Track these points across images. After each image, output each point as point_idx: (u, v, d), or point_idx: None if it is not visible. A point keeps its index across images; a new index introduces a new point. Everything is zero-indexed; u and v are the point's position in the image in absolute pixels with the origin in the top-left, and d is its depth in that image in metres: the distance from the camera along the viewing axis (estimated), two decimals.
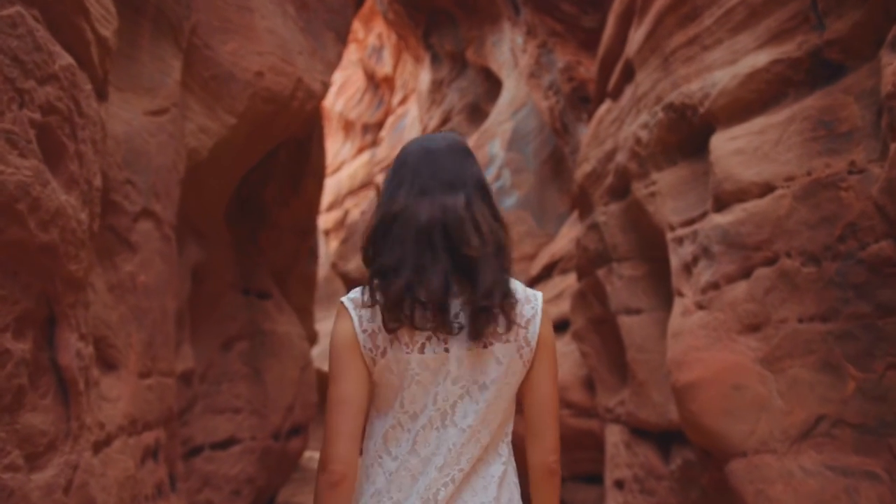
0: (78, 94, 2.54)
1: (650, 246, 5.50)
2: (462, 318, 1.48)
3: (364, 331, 1.50)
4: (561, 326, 8.19)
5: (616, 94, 5.92)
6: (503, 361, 1.51)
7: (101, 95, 3.03)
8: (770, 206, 3.90)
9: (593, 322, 6.62)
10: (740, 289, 4.02)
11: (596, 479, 7.05)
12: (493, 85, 15.58)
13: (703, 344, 4.10)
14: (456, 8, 15.95)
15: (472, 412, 1.50)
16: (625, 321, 5.68)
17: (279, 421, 7.04)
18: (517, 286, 1.56)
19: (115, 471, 2.97)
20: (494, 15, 15.08)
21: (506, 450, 1.57)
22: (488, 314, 1.46)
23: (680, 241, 4.71)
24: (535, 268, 9.80)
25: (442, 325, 1.47)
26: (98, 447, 2.82)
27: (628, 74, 5.59)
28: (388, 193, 1.54)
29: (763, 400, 3.81)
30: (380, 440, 1.53)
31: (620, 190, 5.67)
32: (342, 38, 8.09)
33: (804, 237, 3.76)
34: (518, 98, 14.36)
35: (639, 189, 5.20)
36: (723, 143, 4.26)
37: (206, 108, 5.41)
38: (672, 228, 4.83)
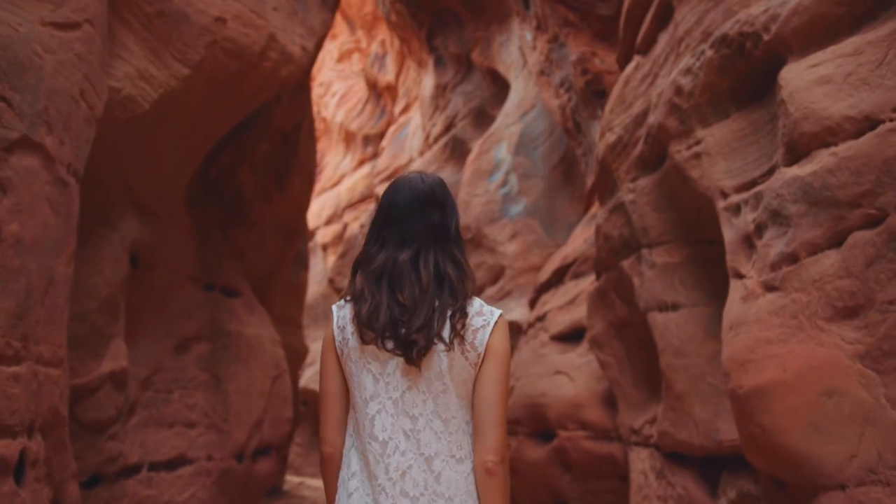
0: None
1: (691, 225, 4.47)
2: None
3: (338, 326, 1.85)
4: (575, 336, 7.13)
5: (647, 47, 4.93)
6: (445, 359, 1.76)
7: None
8: (872, 146, 2.88)
9: (615, 325, 5.57)
10: (829, 260, 2.98)
11: None
12: (500, 88, 14.70)
13: (778, 336, 3.05)
14: (461, 7, 15.14)
15: (420, 402, 1.75)
16: (658, 319, 4.63)
17: (243, 438, 5.98)
18: (475, 303, 1.83)
19: None
20: (502, 14, 14.26)
21: (467, 444, 1.77)
22: (418, 344, 1.75)
23: (736, 209, 3.69)
24: (545, 273, 8.76)
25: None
26: None
27: (664, 18, 4.61)
28: (365, 238, 1.91)
29: (867, 410, 2.76)
30: (350, 427, 1.83)
31: (653, 159, 4.66)
32: (329, 5, 7.16)
33: None
34: (527, 100, 13.49)
35: (679, 151, 4.18)
36: (799, 74, 3.25)
37: (149, 51, 4.44)
38: (724, 195, 3.80)
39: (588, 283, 7.17)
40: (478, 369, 1.77)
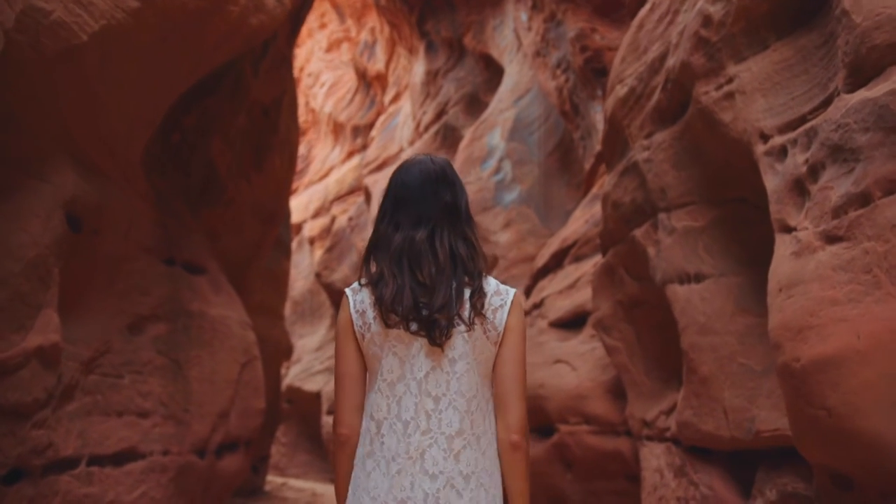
0: None
1: (718, 182, 3.86)
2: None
3: (356, 311, 1.84)
4: (577, 322, 6.52)
5: None
6: (469, 339, 1.79)
7: None
8: None
9: (624, 305, 4.95)
10: None
11: None
12: (493, 74, 14.10)
13: (846, 295, 2.44)
14: None
15: (444, 382, 1.78)
16: (678, 293, 4.01)
17: (206, 431, 5.33)
18: (490, 282, 1.86)
19: None
20: None
21: (484, 421, 1.80)
22: (440, 324, 1.77)
23: (781, 151, 3.08)
24: (542, 258, 8.14)
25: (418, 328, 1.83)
26: None
27: None
28: (376, 221, 1.92)
29: None
30: (367, 409, 1.83)
31: (673, 108, 4.05)
32: None
33: None
34: (521, 84, 12.88)
35: (706, 93, 3.57)
36: None
37: None
38: (765, 137, 3.19)
39: (590, 265, 6.57)
40: (497, 348, 1.80)
